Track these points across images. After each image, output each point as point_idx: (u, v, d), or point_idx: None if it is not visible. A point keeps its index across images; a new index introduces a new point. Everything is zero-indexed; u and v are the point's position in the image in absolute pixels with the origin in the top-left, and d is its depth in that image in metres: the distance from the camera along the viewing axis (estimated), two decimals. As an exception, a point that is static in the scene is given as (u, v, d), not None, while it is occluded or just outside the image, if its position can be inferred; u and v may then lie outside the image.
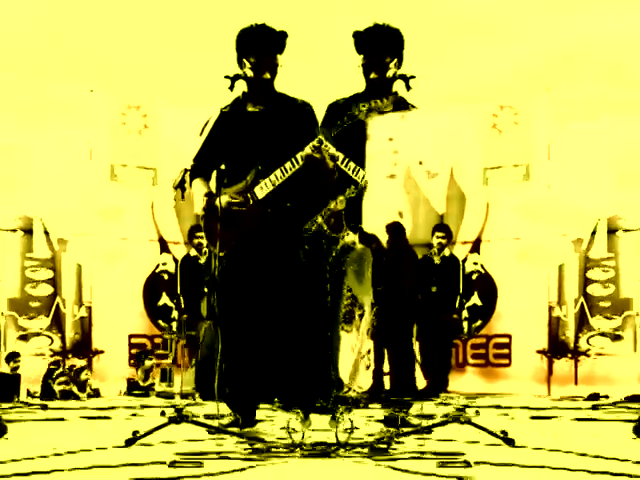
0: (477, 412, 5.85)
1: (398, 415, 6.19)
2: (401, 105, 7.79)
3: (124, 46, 12.06)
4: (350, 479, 4.02)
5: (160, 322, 12.44)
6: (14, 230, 12.77)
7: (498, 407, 8.66)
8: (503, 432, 4.97)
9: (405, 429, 5.68)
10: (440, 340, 10.78)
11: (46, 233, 12.83)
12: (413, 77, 7.54)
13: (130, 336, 12.77)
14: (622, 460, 4.20)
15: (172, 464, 4.24)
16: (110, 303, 12.91)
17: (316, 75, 11.27)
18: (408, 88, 7.55)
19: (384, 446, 4.88)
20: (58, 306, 12.68)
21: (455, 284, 10.73)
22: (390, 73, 7.40)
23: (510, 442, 4.90)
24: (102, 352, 12.74)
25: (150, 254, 12.88)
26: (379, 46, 7.43)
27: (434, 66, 11.30)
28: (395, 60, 7.46)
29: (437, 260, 10.81)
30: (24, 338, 12.46)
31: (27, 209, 12.83)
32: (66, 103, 12.39)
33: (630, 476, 3.66)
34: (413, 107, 7.96)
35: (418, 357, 11.75)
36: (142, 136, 12.73)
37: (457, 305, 11.01)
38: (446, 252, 10.88)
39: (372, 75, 7.47)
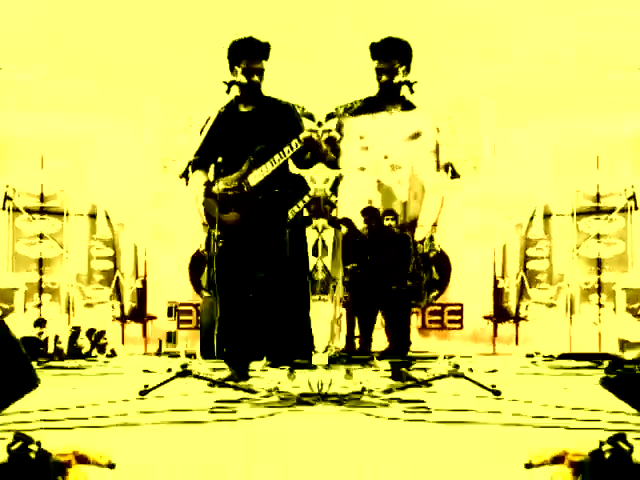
0: (470, 370, 5.82)
1: (403, 371, 6.20)
2: (408, 106, 7.87)
3: (173, 58, 11.82)
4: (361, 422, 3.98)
5: (203, 292, 12.43)
6: (81, 215, 13.03)
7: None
8: (493, 386, 5.00)
9: (409, 382, 5.67)
10: (399, 307, 10.72)
11: (107, 218, 13.09)
12: (416, 82, 7.62)
13: (178, 304, 12.75)
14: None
15: (212, 411, 4.24)
16: (161, 276, 13.13)
17: (319, 77, 11.07)
18: (412, 91, 7.63)
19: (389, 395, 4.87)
20: (118, 279, 12.98)
21: (405, 257, 10.63)
22: (398, 78, 7.52)
23: (497, 393, 4.93)
24: (155, 318, 12.92)
25: (194, 235, 12.89)
26: (390, 54, 7.57)
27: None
28: (403, 67, 7.58)
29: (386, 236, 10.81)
30: (89, 306, 12.77)
31: (92, 197, 13.01)
32: (125, 106, 12.32)
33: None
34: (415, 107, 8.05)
35: (381, 322, 11.78)
36: (188, 134, 12.67)
37: (409, 275, 10.95)
38: (396, 230, 10.81)
39: (383, 78, 7.64)
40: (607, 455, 1.33)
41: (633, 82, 11.82)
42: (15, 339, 3.68)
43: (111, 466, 1.91)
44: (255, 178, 6.38)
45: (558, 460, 1.50)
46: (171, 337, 11.83)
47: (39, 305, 12.56)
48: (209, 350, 8.16)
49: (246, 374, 6.33)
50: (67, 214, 12.91)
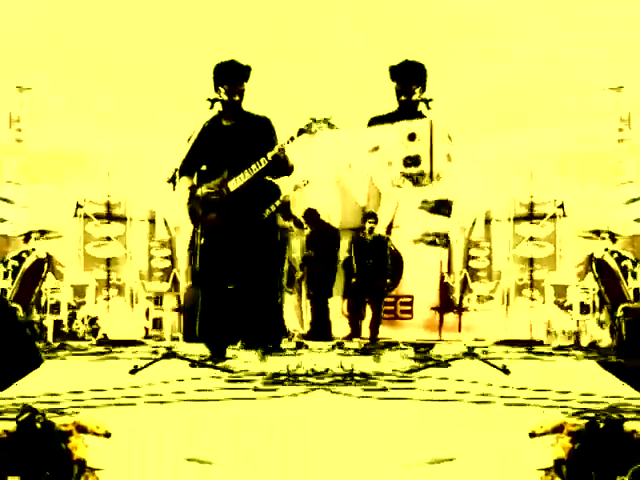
0: (485, 352, 5.90)
1: (424, 353, 6.38)
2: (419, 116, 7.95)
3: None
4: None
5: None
6: (142, 220, 13.07)
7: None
8: (504, 366, 5.07)
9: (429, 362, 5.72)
10: (374, 298, 10.90)
11: (165, 222, 13.03)
12: (431, 100, 7.75)
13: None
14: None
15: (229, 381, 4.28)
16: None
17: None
18: (428, 107, 7.75)
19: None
20: (175, 275, 12.83)
21: (385, 256, 10.75)
22: (415, 97, 7.63)
23: (507, 372, 4.99)
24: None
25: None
26: (408, 77, 7.67)
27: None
28: (419, 87, 7.69)
29: (369, 238, 10.84)
30: (150, 298, 12.64)
31: (151, 205, 12.95)
32: (174, 114, 12.26)
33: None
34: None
35: (345, 311, 11.79)
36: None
37: (388, 272, 11.04)
38: (376, 232, 10.91)
39: (402, 97, 7.76)
40: (602, 425, 1.35)
41: (572, 104, 11.95)
42: (19, 321, 3.67)
43: (107, 435, 1.91)
44: (234, 184, 6.41)
45: (558, 430, 1.52)
46: (156, 322, 11.79)
47: (107, 298, 12.62)
48: (191, 334, 8.14)
49: (224, 355, 6.34)
50: (130, 219, 13.05)
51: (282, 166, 6.58)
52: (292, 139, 6.52)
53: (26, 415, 1.50)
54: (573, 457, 1.22)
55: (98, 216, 12.77)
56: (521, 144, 12.66)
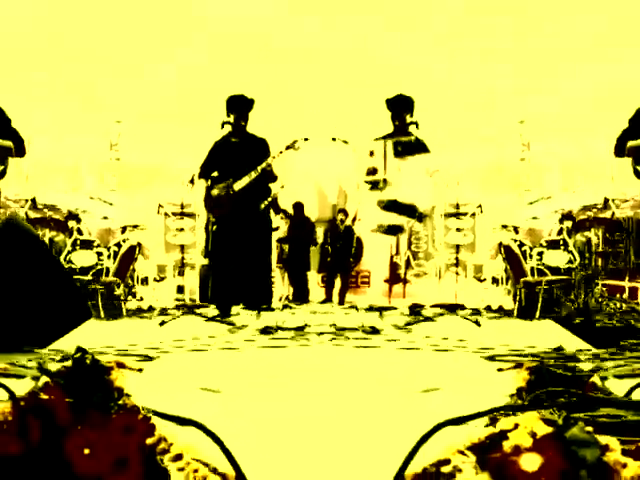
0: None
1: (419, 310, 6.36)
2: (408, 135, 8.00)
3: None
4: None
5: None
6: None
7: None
8: (476, 321, 5.05)
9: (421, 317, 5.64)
10: (343, 273, 10.94)
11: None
12: (417, 123, 7.83)
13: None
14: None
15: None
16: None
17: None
18: (417, 127, 7.78)
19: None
20: None
21: (351, 242, 10.77)
22: (406, 121, 7.67)
23: (479, 325, 4.93)
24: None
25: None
26: (400, 107, 7.66)
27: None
28: (409, 114, 7.69)
29: (341, 228, 10.85)
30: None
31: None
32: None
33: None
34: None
35: (321, 282, 11.79)
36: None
37: (353, 253, 11.07)
38: (347, 223, 10.95)
39: (396, 122, 7.75)
40: (551, 362, 1.35)
41: (488, 132, 11.98)
42: (69, 274, 3.40)
43: (140, 370, 1.90)
44: (238, 186, 6.39)
45: (519, 366, 1.52)
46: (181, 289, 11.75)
47: (179, 273, 12.47)
48: (205, 297, 8.11)
49: (229, 313, 6.31)
50: (198, 215, 12.60)
51: (269, 175, 6.62)
52: (282, 152, 6.57)
53: (79, 354, 1.47)
54: (529, 386, 1.23)
55: (174, 213, 12.71)
56: (452, 161, 12.71)
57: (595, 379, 1.52)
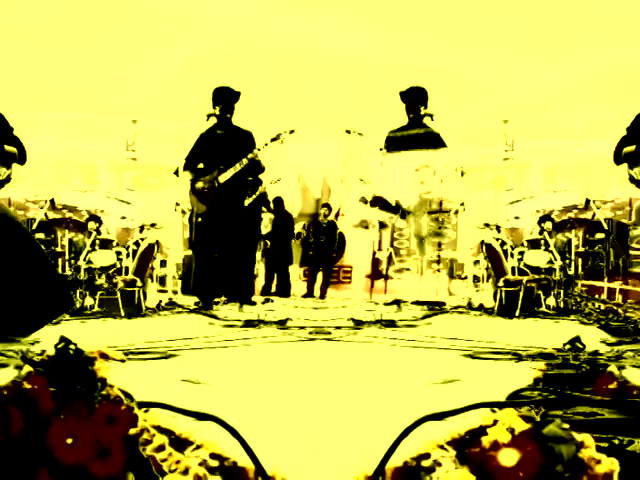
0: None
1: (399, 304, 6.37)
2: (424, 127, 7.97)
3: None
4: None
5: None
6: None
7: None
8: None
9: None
10: (325, 267, 10.93)
11: None
12: (432, 115, 7.80)
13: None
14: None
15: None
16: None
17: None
18: (432, 119, 7.76)
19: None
20: None
21: (334, 236, 10.78)
22: (421, 112, 7.63)
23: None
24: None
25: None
26: (414, 99, 7.63)
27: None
28: (423, 106, 7.67)
29: (324, 222, 10.85)
30: None
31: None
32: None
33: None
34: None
35: (303, 276, 11.80)
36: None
37: (335, 248, 11.06)
38: (330, 218, 10.93)
39: (411, 115, 7.72)
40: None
41: (472, 131, 12.02)
42: (51, 263, 3.32)
43: (122, 361, 1.89)
44: (223, 178, 6.36)
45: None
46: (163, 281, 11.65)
47: None
48: (187, 289, 8.09)
49: (211, 306, 6.29)
50: None
51: (256, 166, 6.57)
52: (267, 144, 6.54)
53: (62, 344, 1.48)
54: (545, 377, 1.25)
55: (183, 211, 12.73)
56: (435, 159, 12.75)
57: (612, 369, 1.55)
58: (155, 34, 11.83)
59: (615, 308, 7.79)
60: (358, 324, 4.67)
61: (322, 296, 10.77)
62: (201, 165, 6.61)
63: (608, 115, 10.82)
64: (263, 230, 10.58)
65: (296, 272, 11.78)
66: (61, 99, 12.08)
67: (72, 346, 1.60)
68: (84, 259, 5.99)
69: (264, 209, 10.51)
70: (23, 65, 11.81)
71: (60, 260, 9.35)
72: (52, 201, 10.22)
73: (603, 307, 8.00)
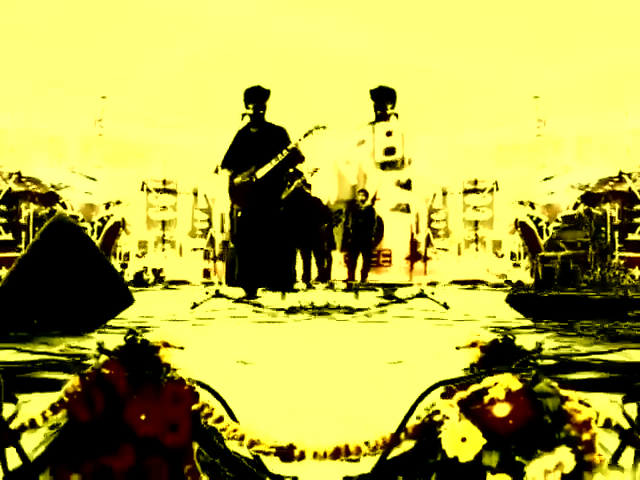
0: (432, 293, 5.83)
1: (391, 292, 6.33)
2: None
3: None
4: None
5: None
6: (188, 193, 13.40)
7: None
8: (444, 303, 5.06)
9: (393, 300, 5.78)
10: (365, 252, 10.97)
11: (205, 195, 13.27)
12: (397, 114, 7.96)
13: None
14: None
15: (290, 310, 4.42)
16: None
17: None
18: (397, 117, 7.89)
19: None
20: (212, 235, 13.04)
21: (372, 221, 10.80)
22: (388, 111, 7.80)
23: (447, 307, 4.98)
24: (236, 258, 13.07)
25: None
26: (382, 97, 7.81)
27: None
28: (391, 104, 7.85)
29: (362, 207, 10.91)
30: (195, 250, 12.99)
31: (195, 182, 13.29)
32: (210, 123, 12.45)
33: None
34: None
35: (344, 261, 11.94)
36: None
37: (374, 232, 11.14)
38: (367, 203, 10.95)
39: (378, 112, 7.93)
40: (500, 341, 1.48)
41: (505, 109, 11.94)
42: (108, 260, 3.54)
43: (182, 348, 2.11)
44: (260, 173, 6.52)
45: (473, 345, 1.65)
46: (207, 273, 11.97)
47: (163, 250, 12.99)
48: (232, 280, 8.30)
49: (255, 295, 6.48)
50: (179, 193, 13.35)
51: (297, 156, 6.69)
52: (302, 138, 6.68)
53: (130, 335, 1.71)
54: (480, 362, 1.38)
55: (157, 190, 13.11)
56: (468, 140, 12.76)
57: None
58: (155, 34, 11.87)
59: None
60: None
61: (363, 280, 10.89)
62: (238, 162, 6.78)
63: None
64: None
65: (337, 257, 11.93)
66: (35, 66, 12.10)
67: (138, 337, 1.83)
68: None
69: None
70: (23, 65, 11.96)
71: (24, 234, 9.40)
72: (18, 174, 10.14)
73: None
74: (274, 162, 6.51)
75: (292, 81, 11.08)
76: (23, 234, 9.42)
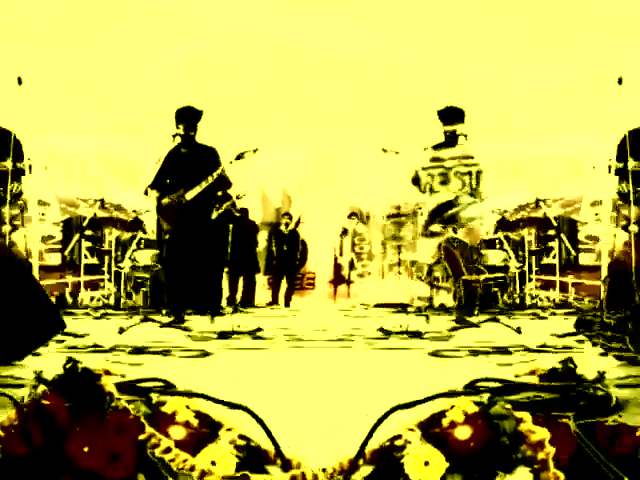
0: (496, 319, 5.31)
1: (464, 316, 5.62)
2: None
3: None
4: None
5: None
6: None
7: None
8: (518, 328, 4.63)
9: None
10: (289, 275, 10.99)
11: None
12: (467, 135, 7.84)
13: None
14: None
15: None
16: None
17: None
18: (466, 138, 7.82)
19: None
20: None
21: (296, 245, 10.85)
22: (457, 131, 7.69)
23: (519, 331, 4.55)
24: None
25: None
26: (450, 117, 7.69)
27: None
28: (460, 124, 7.74)
29: (285, 232, 10.94)
30: None
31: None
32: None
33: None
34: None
35: (267, 285, 11.91)
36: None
37: (298, 256, 11.15)
38: (291, 226, 11.00)
39: (448, 133, 7.80)
40: (559, 370, 1.47)
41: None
42: (39, 284, 3.38)
43: (122, 376, 2.05)
44: (190, 195, 6.49)
45: (532, 372, 1.62)
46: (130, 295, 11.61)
47: None
48: (156, 302, 8.14)
49: (183, 319, 6.39)
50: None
51: (224, 182, 6.71)
52: (233, 161, 6.70)
53: (70, 364, 1.66)
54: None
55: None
56: (397, 162, 12.94)
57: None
58: (155, 34, 11.54)
59: (569, 301, 8.14)
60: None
61: (287, 304, 10.90)
62: (167, 182, 6.73)
63: (558, 113, 11.05)
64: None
65: (260, 280, 11.88)
66: (61, 99, 11.69)
67: (79, 365, 1.76)
68: (130, 257, 6.03)
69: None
70: (23, 65, 11.44)
71: (107, 258, 9.50)
72: (102, 200, 10.31)
73: (557, 300, 8.36)
74: (203, 185, 6.50)
75: (292, 81, 10.93)
76: (106, 258, 9.54)
